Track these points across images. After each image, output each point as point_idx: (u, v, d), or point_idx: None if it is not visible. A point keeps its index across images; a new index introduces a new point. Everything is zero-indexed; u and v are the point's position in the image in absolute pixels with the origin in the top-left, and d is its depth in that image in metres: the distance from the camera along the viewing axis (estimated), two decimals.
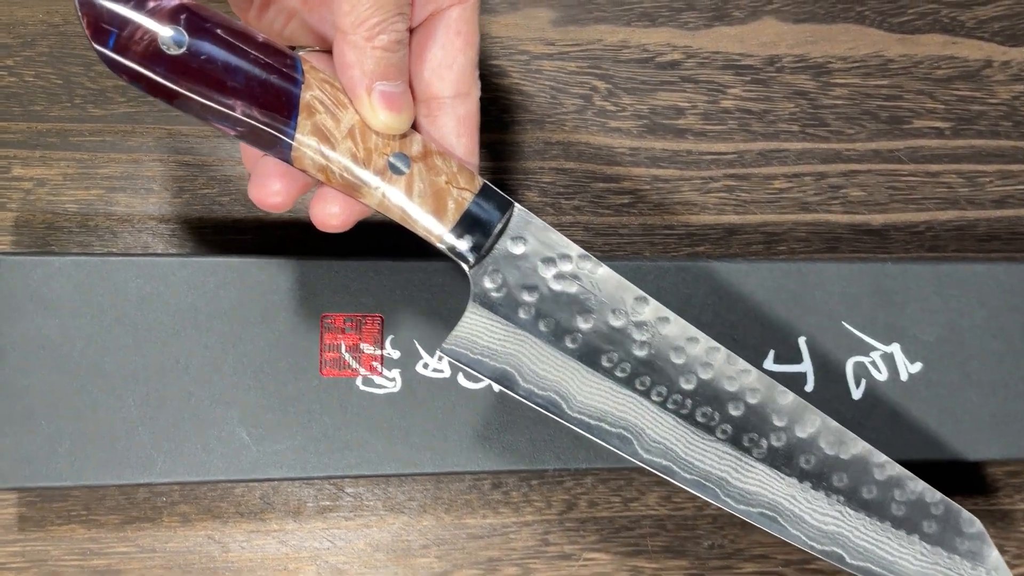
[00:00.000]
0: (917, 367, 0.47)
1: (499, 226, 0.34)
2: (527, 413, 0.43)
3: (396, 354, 0.43)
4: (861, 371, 0.47)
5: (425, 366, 0.43)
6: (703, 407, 0.36)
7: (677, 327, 0.36)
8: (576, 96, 0.49)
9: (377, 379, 0.42)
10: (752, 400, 0.37)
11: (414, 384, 0.43)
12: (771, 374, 0.46)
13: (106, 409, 0.40)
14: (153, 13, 0.29)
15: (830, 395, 0.46)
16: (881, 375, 0.47)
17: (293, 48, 0.34)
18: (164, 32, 0.29)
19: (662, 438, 0.36)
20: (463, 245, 0.34)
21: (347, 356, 0.42)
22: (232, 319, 0.41)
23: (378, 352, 0.43)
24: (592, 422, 0.35)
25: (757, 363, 0.46)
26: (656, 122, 0.50)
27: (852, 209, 0.51)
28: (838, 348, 0.46)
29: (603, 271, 0.35)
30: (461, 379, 0.43)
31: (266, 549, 0.45)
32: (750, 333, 0.46)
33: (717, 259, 0.48)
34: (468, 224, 0.34)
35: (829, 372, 0.46)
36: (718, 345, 0.36)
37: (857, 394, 0.47)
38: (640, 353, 0.35)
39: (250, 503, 0.45)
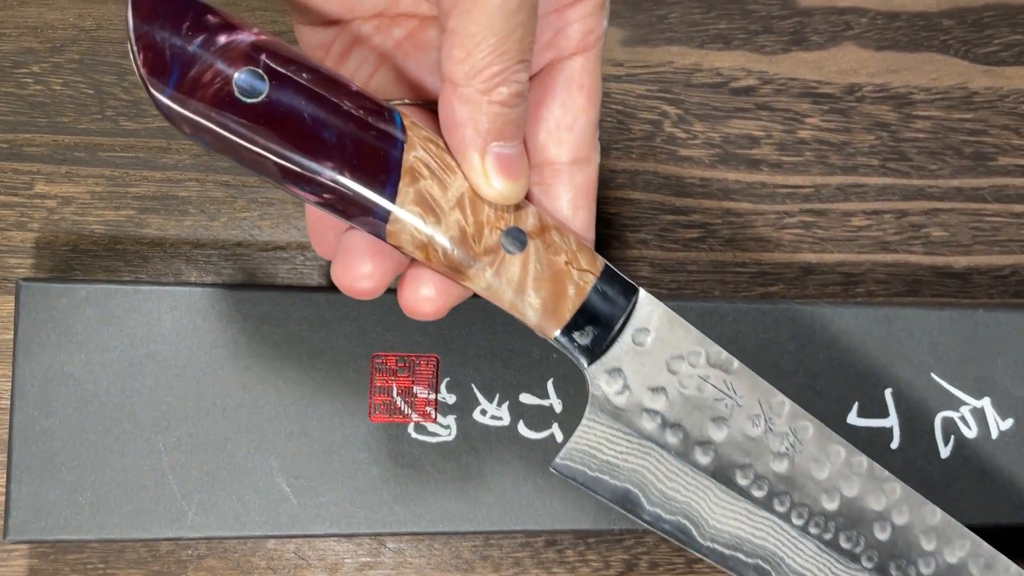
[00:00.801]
0: (1008, 424, 0.43)
1: (623, 317, 0.29)
2: None
3: (452, 399, 0.39)
4: (950, 427, 0.43)
5: (483, 412, 0.39)
6: (848, 530, 0.31)
7: (816, 433, 0.31)
8: (644, 122, 0.46)
9: (431, 426, 0.39)
10: (899, 520, 0.32)
11: (470, 432, 0.39)
12: (855, 429, 0.42)
13: (133, 455, 0.36)
14: (227, 50, 0.25)
15: (916, 453, 0.43)
16: (970, 431, 0.43)
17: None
18: (240, 74, 0.25)
19: (804, 568, 0.31)
20: (583, 339, 0.29)
21: (399, 400, 0.38)
22: (274, 357, 0.38)
23: (432, 396, 0.39)
24: (727, 551, 0.30)
25: (841, 417, 0.42)
26: (729, 151, 0.46)
27: (933, 250, 0.47)
28: (926, 401, 0.43)
29: (738, 368, 0.31)
30: (522, 427, 0.39)
31: None
32: (833, 383, 0.42)
33: (799, 302, 0.44)
34: (589, 314, 0.29)
35: (915, 427, 0.43)
36: (858, 452, 0.32)
37: (945, 452, 0.43)
38: (779, 467, 0.31)
39: (284, 557, 0.41)
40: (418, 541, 0.42)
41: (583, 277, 0.28)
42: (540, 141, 0.29)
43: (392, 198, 0.26)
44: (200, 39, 0.24)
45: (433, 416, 0.39)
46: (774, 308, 0.42)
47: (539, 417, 0.39)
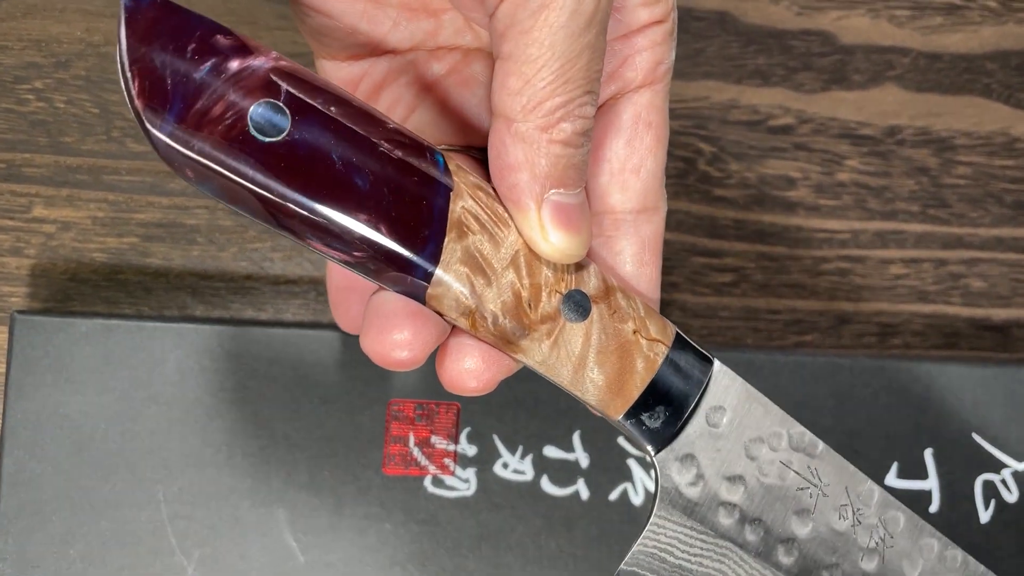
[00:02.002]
0: None
1: (699, 395, 0.25)
2: (620, 524, 0.37)
3: (472, 450, 0.37)
4: (990, 491, 0.41)
5: (505, 466, 0.37)
6: None
7: (908, 524, 0.27)
8: (677, 159, 0.44)
9: (449, 479, 0.36)
10: None
11: (491, 486, 0.36)
12: (894, 491, 0.40)
13: (130, 505, 0.34)
14: (241, 78, 0.21)
15: (956, 517, 0.41)
16: (1012, 495, 0.41)
17: None
18: (257, 107, 0.21)
19: None
20: (653, 422, 0.25)
21: (416, 451, 0.36)
22: (284, 402, 0.35)
23: (451, 448, 0.36)
24: None
25: (879, 478, 0.40)
26: (764, 192, 0.44)
27: (972, 301, 0.45)
28: (967, 463, 0.41)
29: (822, 451, 0.27)
30: (546, 482, 0.37)
31: None
32: (872, 443, 0.40)
33: (837, 355, 0.42)
34: (661, 392, 0.25)
35: (956, 491, 0.41)
36: (953, 545, 0.28)
37: (985, 517, 0.41)
38: (869, 566, 0.27)
39: None
40: None
41: (654, 348, 0.25)
42: (602, 186, 0.26)
43: (436, 256, 0.23)
44: (208, 64, 0.20)
45: (452, 469, 0.36)
46: (812, 361, 0.40)
47: (564, 472, 0.37)
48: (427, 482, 0.36)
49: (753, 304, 0.44)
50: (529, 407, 0.37)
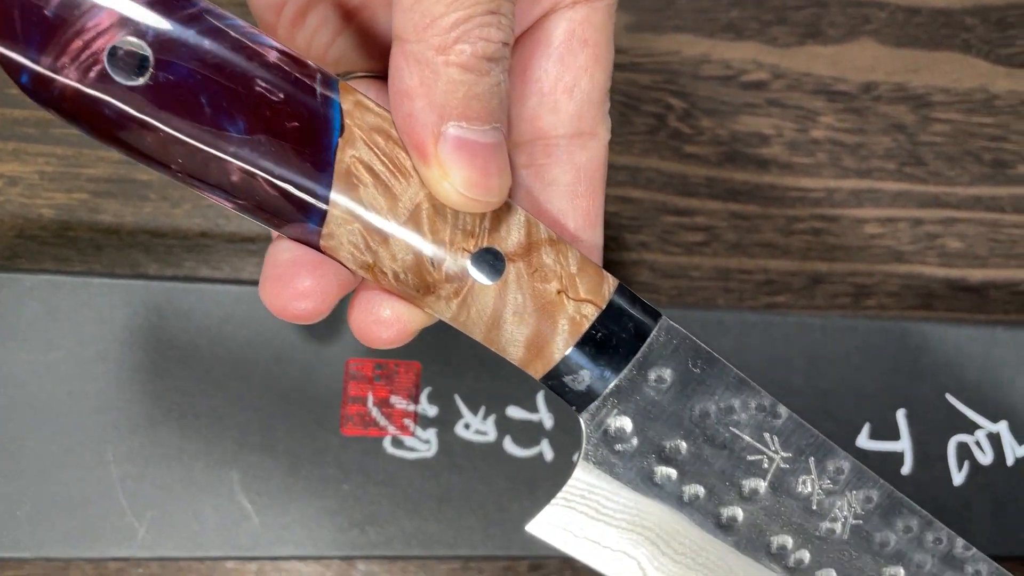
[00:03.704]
0: None
1: (631, 362, 0.23)
2: None
3: (432, 411, 0.36)
4: (964, 452, 0.40)
5: (466, 427, 0.36)
6: None
7: (882, 496, 0.25)
8: (648, 115, 0.42)
9: (409, 440, 0.35)
10: None
11: (452, 448, 0.36)
12: (865, 452, 0.39)
13: (78, 466, 0.33)
14: (96, 13, 0.18)
15: (928, 479, 0.40)
16: (985, 457, 0.40)
17: (343, 75, 0.24)
18: (113, 48, 0.19)
19: None
20: (578, 384, 0.23)
21: (375, 411, 0.35)
22: (238, 361, 0.34)
23: (411, 408, 0.35)
24: None
25: (851, 439, 0.39)
26: (737, 150, 0.43)
27: (949, 262, 0.45)
28: (940, 424, 0.40)
29: (785, 416, 0.24)
30: (508, 443, 0.36)
31: None
32: (844, 403, 0.39)
33: (808, 314, 0.41)
34: (588, 353, 0.22)
35: (928, 452, 0.40)
36: (934, 521, 0.25)
37: (958, 479, 0.40)
38: (828, 537, 0.24)
39: None
40: (391, 563, 0.39)
41: (581, 309, 0.22)
42: (531, 109, 0.23)
43: (324, 207, 0.21)
44: (61, 1, 0.18)
45: (412, 429, 0.35)
46: (783, 320, 0.39)
47: (527, 433, 0.36)
48: (386, 443, 0.35)
49: (725, 264, 0.43)
50: (492, 367, 0.36)
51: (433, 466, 0.35)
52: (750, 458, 0.24)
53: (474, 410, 0.36)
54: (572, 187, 0.24)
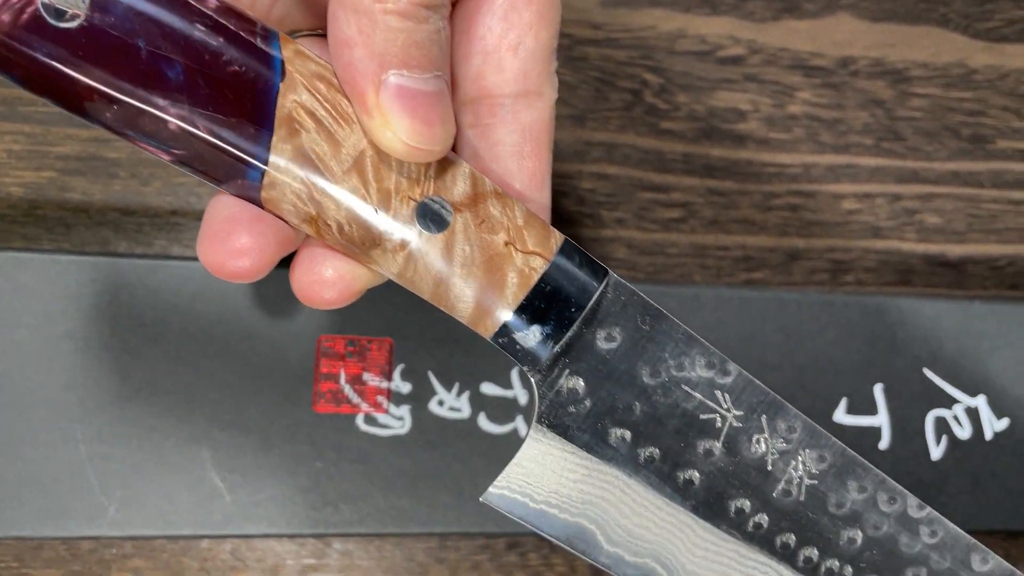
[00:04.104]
0: (1004, 424, 0.41)
1: (581, 316, 0.23)
2: None
3: (406, 387, 0.35)
4: (942, 427, 0.40)
5: (440, 403, 0.36)
6: None
7: (836, 457, 0.24)
8: (623, 90, 0.42)
9: (382, 417, 0.35)
10: (940, 566, 0.25)
11: (426, 424, 0.35)
12: (842, 427, 0.39)
13: (47, 445, 0.33)
14: None
15: (906, 454, 0.40)
16: (963, 432, 0.40)
17: (293, 34, 0.24)
18: None
19: None
20: (528, 341, 0.22)
21: (347, 388, 0.35)
22: (208, 338, 0.34)
23: (384, 385, 0.35)
24: None
25: (827, 414, 0.39)
26: (713, 125, 0.43)
27: (927, 237, 0.44)
28: (917, 399, 0.40)
29: (735, 375, 0.24)
30: (483, 420, 0.36)
31: None
32: (821, 378, 0.39)
33: (785, 289, 0.41)
34: (538, 307, 0.22)
35: (906, 427, 0.40)
36: (887, 479, 0.25)
37: (936, 453, 0.40)
38: (784, 499, 0.24)
39: (218, 558, 0.37)
40: (367, 542, 0.39)
41: (530, 262, 0.22)
42: (476, 68, 0.23)
43: (264, 159, 0.20)
44: None
45: (385, 406, 0.35)
46: (759, 295, 0.39)
47: (501, 409, 0.36)
48: (359, 420, 0.35)
49: (702, 240, 0.42)
50: (465, 344, 0.36)
51: (407, 443, 0.35)
52: (703, 417, 0.23)
53: (448, 387, 0.36)
54: (518, 147, 0.23)
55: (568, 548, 0.23)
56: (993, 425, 0.41)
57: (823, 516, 0.24)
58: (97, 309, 0.33)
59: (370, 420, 0.35)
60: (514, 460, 0.23)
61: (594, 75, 0.42)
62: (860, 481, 0.24)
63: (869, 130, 0.44)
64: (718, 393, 0.24)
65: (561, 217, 0.41)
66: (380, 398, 0.35)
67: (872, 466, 0.25)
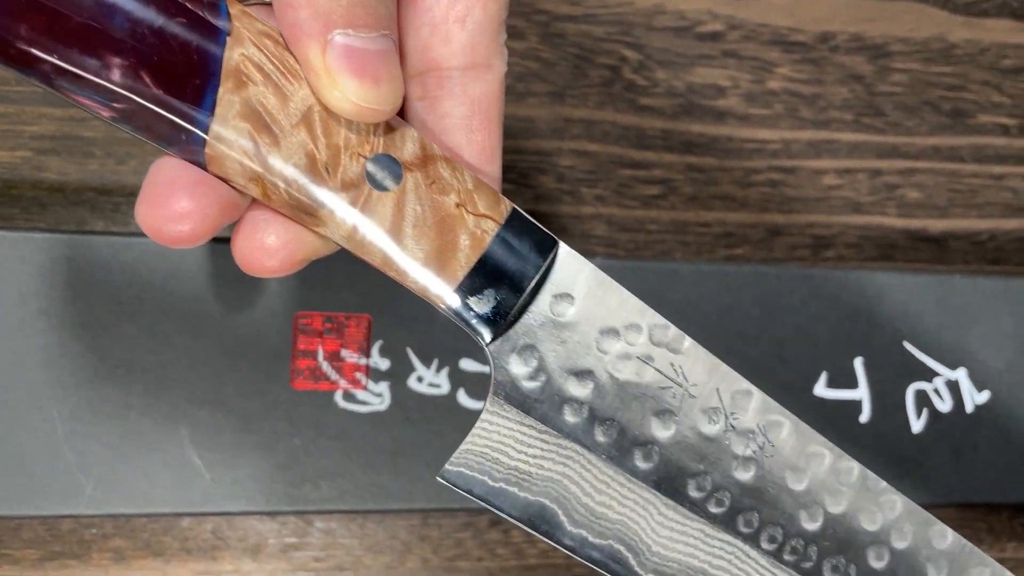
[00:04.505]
0: (984, 396, 0.41)
1: (536, 277, 0.22)
2: None
3: (385, 364, 0.35)
4: (922, 400, 0.40)
5: (419, 380, 0.36)
6: (833, 557, 0.24)
7: (792, 431, 0.24)
8: (602, 67, 0.42)
9: (361, 394, 0.35)
10: (900, 544, 0.25)
11: (405, 401, 0.35)
12: (822, 401, 0.39)
13: (24, 424, 0.33)
14: None
15: (887, 427, 0.40)
16: (944, 404, 0.40)
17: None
18: None
19: None
20: (483, 306, 0.22)
21: (325, 365, 0.35)
22: (185, 316, 0.34)
23: (363, 361, 0.35)
24: None
25: (807, 388, 0.39)
26: (693, 102, 0.43)
27: (908, 212, 0.45)
28: (898, 372, 0.40)
29: (689, 347, 0.24)
30: (462, 396, 0.36)
31: None
32: (800, 352, 0.39)
33: (763, 263, 0.41)
34: (491, 272, 0.22)
35: (887, 400, 0.40)
36: (848, 458, 0.25)
37: (917, 426, 0.40)
38: (744, 476, 0.24)
39: (199, 538, 0.37)
40: (349, 520, 0.39)
41: (481, 224, 0.22)
42: (424, 40, 0.22)
43: (210, 111, 0.20)
44: None
45: (363, 383, 0.35)
46: (738, 270, 0.39)
47: (481, 385, 0.36)
48: (338, 397, 0.35)
49: (682, 217, 0.42)
50: (444, 319, 0.36)
51: (386, 420, 0.35)
52: (659, 389, 0.23)
53: (427, 363, 0.36)
54: (467, 120, 0.23)
55: (531, 531, 0.23)
56: (974, 398, 0.41)
57: (784, 492, 0.24)
58: (73, 287, 0.33)
59: (349, 397, 0.35)
60: (470, 435, 0.23)
61: (572, 52, 0.42)
62: (819, 455, 0.24)
63: (849, 105, 0.44)
64: (673, 365, 0.23)
65: (540, 194, 0.41)
66: (359, 375, 0.35)
67: (824, 437, 0.24)
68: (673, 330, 0.23)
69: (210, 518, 0.37)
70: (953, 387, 0.41)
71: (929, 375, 0.40)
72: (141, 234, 0.35)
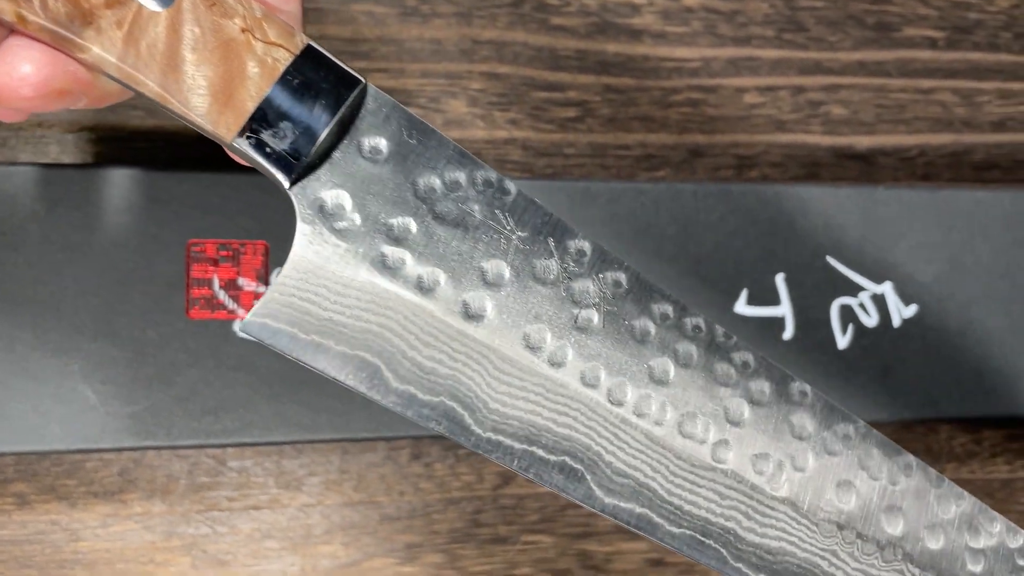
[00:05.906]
0: (912, 310, 0.40)
1: (337, 115, 0.21)
2: None
3: None
4: (848, 315, 0.39)
5: None
6: (686, 408, 0.23)
7: (631, 280, 0.23)
8: None
9: None
10: (761, 397, 0.24)
11: None
12: (744, 319, 0.38)
13: None
14: None
15: (811, 343, 0.39)
16: (871, 319, 0.40)
17: None
18: None
19: (631, 467, 0.23)
20: (280, 142, 0.21)
21: (221, 293, 0.34)
22: (71, 246, 0.33)
23: (261, 289, 0.34)
24: (517, 446, 0.22)
25: (727, 305, 0.38)
26: (607, 20, 0.41)
27: (834, 129, 0.44)
28: (821, 288, 0.39)
29: (516, 195, 0.23)
30: None
31: (127, 537, 0.36)
32: (719, 269, 0.38)
33: (680, 180, 0.40)
34: (285, 104, 0.20)
35: (810, 316, 0.39)
36: (688, 307, 0.24)
37: (843, 343, 0.39)
38: (586, 325, 0.23)
39: (105, 480, 0.36)
40: (263, 457, 0.38)
41: (272, 52, 0.20)
42: None
43: None
44: None
45: None
46: (654, 188, 0.38)
47: None
48: (236, 326, 0.34)
49: (600, 140, 0.41)
50: None
51: None
52: (485, 237, 0.22)
53: None
54: None
55: (351, 386, 0.22)
56: (901, 312, 0.40)
57: (626, 345, 0.23)
58: None
59: None
60: (273, 285, 0.21)
61: None
62: (660, 307, 0.23)
63: (769, 21, 0.43)
64: (499, 213, 0.22)
65: (451, 119, 0.40)
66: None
67: (669, 292, 0.24)
68: (497, 176, 0.22)
69: (116, 460, 0.36)
70: (879, 301, 0.40)
71: (854, 290, 0.40)
72: (24, 163, 0.34)
